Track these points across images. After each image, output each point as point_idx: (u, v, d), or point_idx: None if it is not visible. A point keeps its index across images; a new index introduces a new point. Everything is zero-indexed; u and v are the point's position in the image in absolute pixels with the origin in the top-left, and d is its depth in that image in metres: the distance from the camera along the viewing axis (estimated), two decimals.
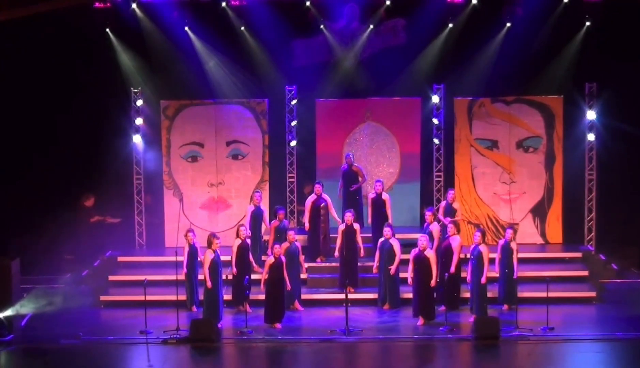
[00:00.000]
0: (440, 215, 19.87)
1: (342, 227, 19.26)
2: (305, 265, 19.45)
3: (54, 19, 20.93)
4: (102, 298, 19.61)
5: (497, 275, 18.53)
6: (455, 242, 18.42)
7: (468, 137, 21.89)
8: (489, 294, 18.12)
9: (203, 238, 18.41)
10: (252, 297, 18.71)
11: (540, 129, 21.80)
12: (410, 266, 18.01)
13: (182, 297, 18.71)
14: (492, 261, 18.22)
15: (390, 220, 19.45)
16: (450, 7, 21.87)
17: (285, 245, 18.48)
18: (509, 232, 18.58)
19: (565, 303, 18.87)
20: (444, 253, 18.42)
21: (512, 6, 21.78)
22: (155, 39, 22.10)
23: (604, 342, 16.90)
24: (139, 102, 21.80)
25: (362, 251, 19.42)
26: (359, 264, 19.45)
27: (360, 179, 20.77)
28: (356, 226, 19.28)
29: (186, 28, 21.92)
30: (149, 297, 17.97)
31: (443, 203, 20.33)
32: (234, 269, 18.44)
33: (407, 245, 18.85)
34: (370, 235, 20.02)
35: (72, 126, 21.64)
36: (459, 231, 18.74)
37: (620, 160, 21.57)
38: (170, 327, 17.51)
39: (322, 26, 22.08)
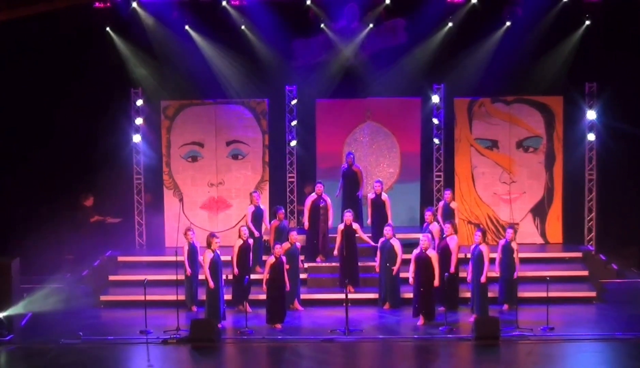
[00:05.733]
0: (439, 216, 19.87)
1: (341, 226, 19.27)
2: (305, 265, 19.47)
3: (54, 19, 20.91)
4: (102, 298, 19.63)
5: (497, 275, 18.54)
6: (453, 242, 18.43)
7: (468, 137, 21.88)
8: (490, 294, 18.12)
9: (203, 238, 18.42)
10: (252, 297, 18.74)
11: (540, 128, 21.79)
12: (412, 266, 18.01)
13: (182, 297, 18.73)
14: (492, 261, 18.22)
15: (390, 221, 19.46)
16: (450, 7, 21.88)
17: (287, 245, 18.47)
18: (510, 231, 18.58)
19: (565, 303, 18.88)
20: (442, 253, 18.42)
21: (512, 6, 21.77)
22: (155, 39, 22.09)
23: (604, 342, 16.91)
24: (139, 102, 21.79)
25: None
26: (359, 264, 19.47)
27: (359, 181, 20.76)
28: (356, 226, 19.29)
29: (186, 27, 21.95)
30: (149, 297, 17.96)
31: (442, 203, 20.36)
32: (236, 270, 18.45)
33: (406, 245, 18.87)
34: (370, 235, 20.00)
35: (71, 126, 21.62)
36: (456, 231, 18.74)
37: (620, 160, 21.56)
38: (170, 327, 17.52)
39: (322, 25, 22.08)
